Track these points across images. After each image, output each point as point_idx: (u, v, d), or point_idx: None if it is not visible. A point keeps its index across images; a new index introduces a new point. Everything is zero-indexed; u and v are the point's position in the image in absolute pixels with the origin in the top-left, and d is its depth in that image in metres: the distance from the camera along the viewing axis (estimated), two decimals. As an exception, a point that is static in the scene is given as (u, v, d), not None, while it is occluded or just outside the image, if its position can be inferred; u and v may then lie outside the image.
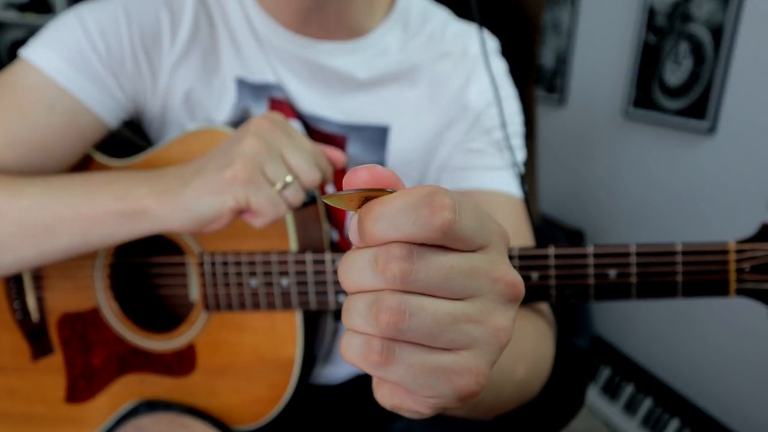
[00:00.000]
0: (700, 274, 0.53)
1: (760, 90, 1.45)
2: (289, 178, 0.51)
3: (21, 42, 1.95)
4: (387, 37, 0.67)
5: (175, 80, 0.65)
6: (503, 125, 0.67)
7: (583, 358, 0.79)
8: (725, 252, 0.53)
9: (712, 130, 1.57)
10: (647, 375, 1.82)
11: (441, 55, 0.68)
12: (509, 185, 0.65)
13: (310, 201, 0.65)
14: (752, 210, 1.50)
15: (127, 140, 0.75)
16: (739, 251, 0.53)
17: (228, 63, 0.66)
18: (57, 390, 0.69)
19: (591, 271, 0.54)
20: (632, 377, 1.86)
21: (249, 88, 0.66)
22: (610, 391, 1.90)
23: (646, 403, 1.78)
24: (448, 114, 0.68)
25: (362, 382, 0.79)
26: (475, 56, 0.69)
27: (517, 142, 0.69)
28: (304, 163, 0.52)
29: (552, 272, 0.55)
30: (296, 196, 0.52)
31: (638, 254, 0.54)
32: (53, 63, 0.60)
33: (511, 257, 0.54)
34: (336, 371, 0.77)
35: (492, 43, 0.72)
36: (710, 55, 1.56)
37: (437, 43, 0.69)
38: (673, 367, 1.76)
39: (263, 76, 0.66)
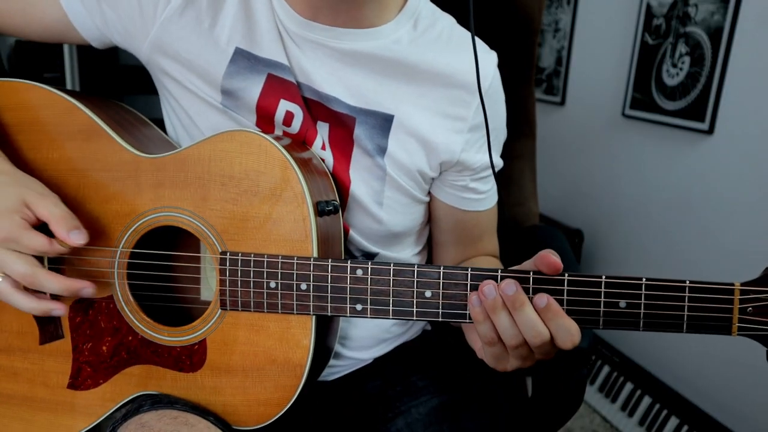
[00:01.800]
0: (705, 311, 0.55)
1: (758, 91, 1.46)
2: None
3: (24, 43, 1.96)
4: (398, 32, 0.70)
5: (166, 33, 0.70)
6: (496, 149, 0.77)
7: (581, 357, 0.80)
8: (731, 292, 0.55)
9: (709, 131, 1.59)
10: (646, 374, 1.83)
11: (446, 66, 0.71)
12: (494, 199, 0.81)
13: (335, 211, 0.66)
14: (749, 210, 1.51)
15: (161, 138, 0.77)
16: (743, 292, 0.55)
17: (230, 30, 0.70)
18: (60, 375, 0.70)
19: (602, 298, 0.56)
20: (631, 376, 1.87)
21: (248, 60, 0.70)
22: (609, 390, 1.91)
23: (645, 402, 1.80)
24: (445, 127, 0.72)
25: (357, 379, 0.80)
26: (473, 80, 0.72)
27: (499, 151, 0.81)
28: (17, 264, 0.61)
29: (564, 297, 0.57)
30: (2, 290, 0.62)
31: (648, 287, 0.56)
32: None
33: (526, 280, 0.57)
34: (331, 369, 0.78)
35: (492, 57, 0.75)
36: (708, 56, 1.57)
37: (444, 46, 0.72)
38: (671, 367, 1.77)
39: (274, 56, 0.70)
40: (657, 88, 1.75)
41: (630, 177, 1.90)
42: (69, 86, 2.25)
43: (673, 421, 1.70)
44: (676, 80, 1.69)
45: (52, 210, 0.62)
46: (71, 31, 0.72)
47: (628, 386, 1.86)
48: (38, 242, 0.60)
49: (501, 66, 0.75)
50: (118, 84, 2.59)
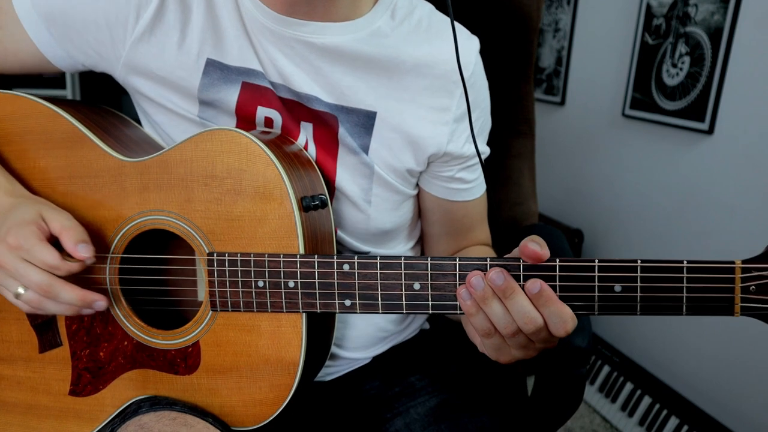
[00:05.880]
0: (705, 291, 0.53)
1: (758, 91, 1.46)
2: (20, 290, 0.61)
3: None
4: (377, 22, 0.69)
5: (137, 53, 0.69)
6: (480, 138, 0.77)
7: (581, 356, 0.80)
8: (732, 270, 0.52)
9: (709, 131, 1.58)
10: (646, 374, 1.83)
11: (426, 56, 0.70)
12: (482, 188, 0.80)
13: (322, 205, 0.66)
14: (749, 210, 1.51)
15: (146, 140, 0.76)
16: (744, 270, 0.52)
17: (199, 43, 0.69)
18: (61, 382, 0.70)
19: (596, 283, 0.54)
20: (631, 376, 1.87)
21: (221, 71, 0.69)
22: (609, 390, 1.91)
23: (645, 402, 1.79)
24: (429, 120, 0.71)
25: (355, 379, 0.80)
26: (455, 69, 0.70)
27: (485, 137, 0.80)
28: (33, 275, 0.60)
29: (556, 282, 0.55)
30: (33, 300, 0.61)
31: (643, 269, 0.53)
32: (24, 2, 0.68)
33: (516, 268, 0.56)
34: (327, 369, 0.78)
35: (473, 44, 0.74)
36: (708, 56, 1.57)
37: (423, 36, 0.71)
38: (671, 366, 1.77)
39: (245, 62, 0.69)
40: (657, 88, 1.75)
41: (630, 177, 1.90)
42: (68, 84, 2.25)
43: (673, 421, 1.70)
44: (676, 80, 1.68)
45: (65, 222, 0.62)
46: (45, 62, 0.72)
47: (628, 386, 1.86)
48: (48, 255, 0.60)
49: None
50: (117, 82, 2.58)
